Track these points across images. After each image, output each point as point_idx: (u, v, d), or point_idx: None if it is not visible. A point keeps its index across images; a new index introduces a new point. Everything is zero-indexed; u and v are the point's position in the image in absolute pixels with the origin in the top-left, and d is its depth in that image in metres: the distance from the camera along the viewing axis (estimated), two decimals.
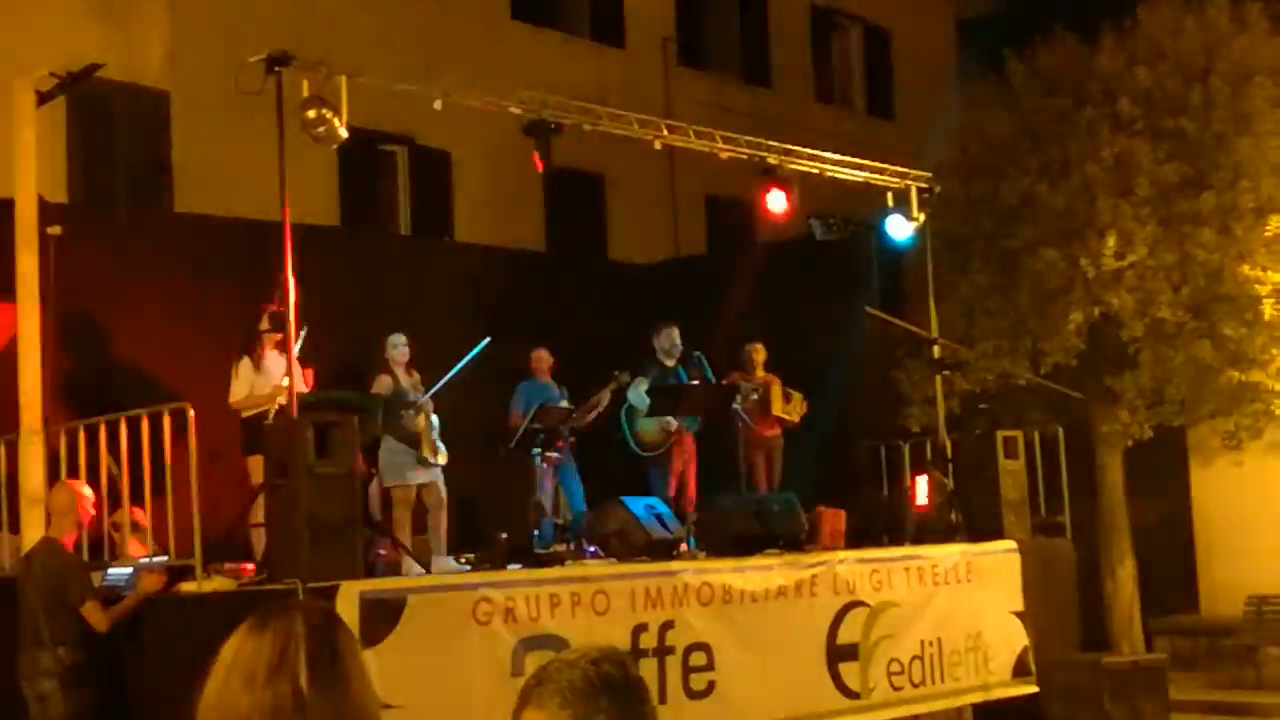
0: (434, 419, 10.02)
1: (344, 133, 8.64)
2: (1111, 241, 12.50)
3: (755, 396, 11.61)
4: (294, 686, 2.12)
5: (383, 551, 9.03)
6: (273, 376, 9.29)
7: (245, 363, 9.44)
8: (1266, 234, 12.44)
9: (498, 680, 7.77)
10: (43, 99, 8.92)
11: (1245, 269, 12.45)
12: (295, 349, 8.81)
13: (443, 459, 9.98)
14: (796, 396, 11.88)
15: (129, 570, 8.08)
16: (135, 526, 8.94)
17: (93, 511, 7.94)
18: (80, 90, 9.79)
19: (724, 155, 11.48)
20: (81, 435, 8.52)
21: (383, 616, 7.28)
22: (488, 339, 10.15)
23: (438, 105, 9.68)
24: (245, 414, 9.42)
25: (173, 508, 8.12)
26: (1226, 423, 13.49)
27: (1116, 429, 13.38)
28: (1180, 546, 14.75)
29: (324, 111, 8.54)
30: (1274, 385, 12.69)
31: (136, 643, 7.34)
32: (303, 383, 9.14)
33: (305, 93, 8.58)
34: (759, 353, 11.96)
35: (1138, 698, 10.57)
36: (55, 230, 8.93)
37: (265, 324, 9.42)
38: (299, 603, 2.20)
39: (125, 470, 8.31)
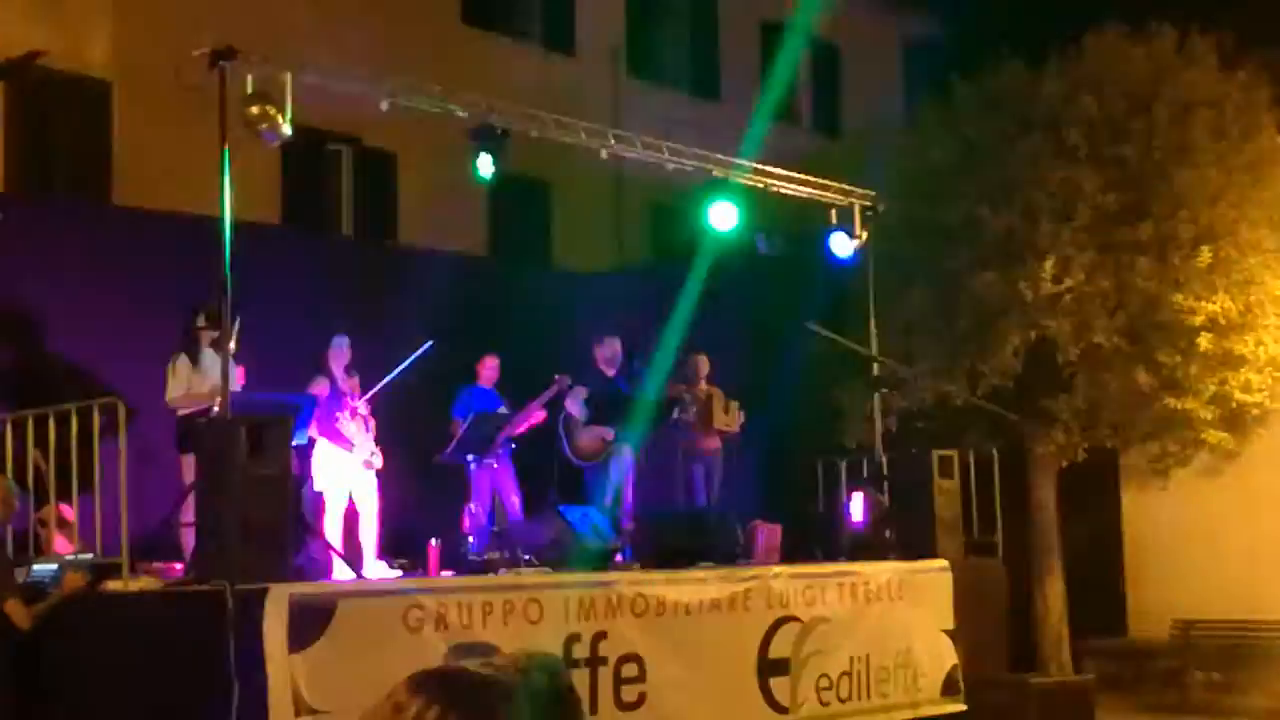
0: (370, 422, 9.94)
1: (288, 130, 8.57)
2: (1050, 266, 12.61)
3: (694, 409, 11.61)
4: None
5: (314, 555, 8.93)
6: (210, 374, 9.17)
7: (183, 360, 9.32)
8: (1201, 264, 12.60)
9: None
10: None
11: (1180, 298, 12.59)
12: (231, 345, 8.72)
13: (378, 462, 9.90)
14: (733, 405, 11.88)
15: (54, 567, 7.93)
16: (62, 523, 8.78)
17: (18, 506, 7.79)
18: (20, 78, 9.64)
19: (670, 166, 11.51)
20: (9, 429, 8.36)
21: (312, 620, 7.20)
22: (429, 343, 10.10)
23: (384, 106, 9.63)
24: (181, 412, 9.30)
25: (101, 505, 7.99)
26: (1156, 447, 13.64)
27: (1051, 450, 13.50)
28: (1110, 568, 14.89)
29: (268, 108, 8.46)
30: (1205, 414, 12.84)
31: (60, 641, 7.20)
32: (237, 381, 9.04)
33: (249, 89, 8.50)
34: (703, 364, 11.95)
35: (1065, 718, 10.64)
36: None
37: (202, 321, 9.30)
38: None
39: (53, 465, 8.16)
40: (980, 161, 13.53)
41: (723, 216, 11.14)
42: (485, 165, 9.96)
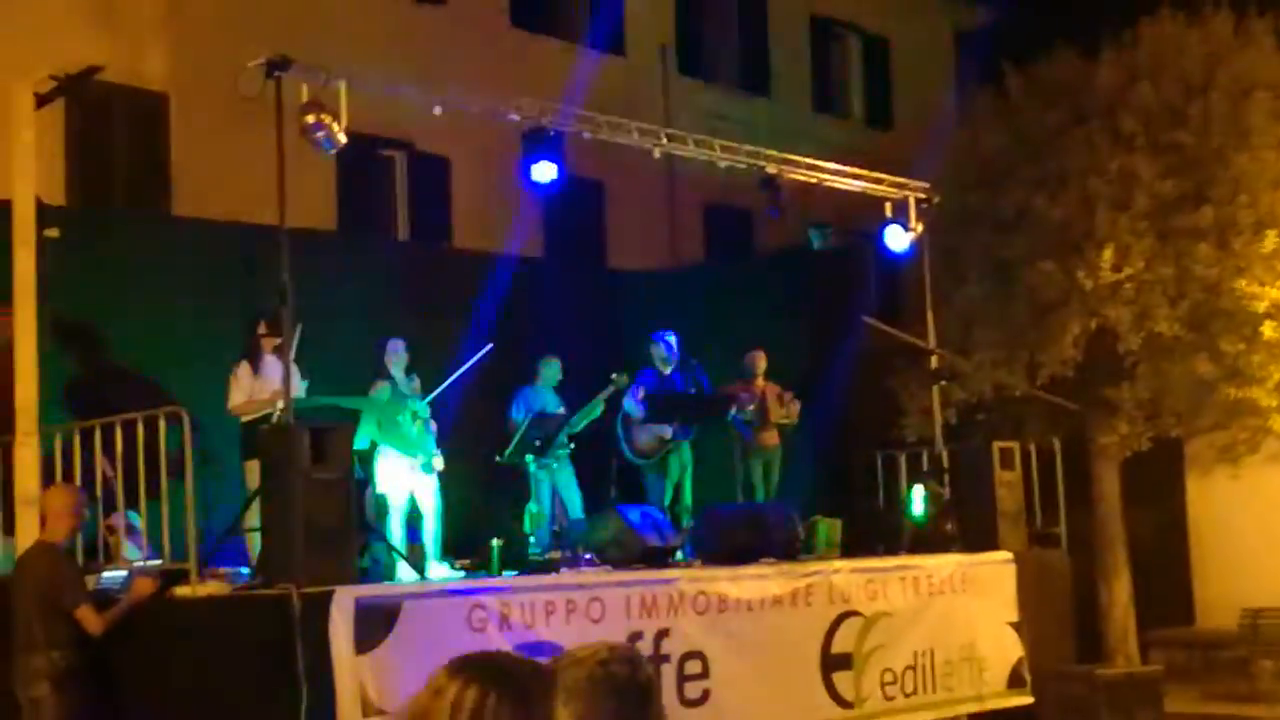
0: (431, 425, 10.02)
1: (343, 138, 8.65)
2: (1108, 254, 12.48)
3: (752, 406, 11.62)
4: None
5: (377, 557, 9.02)
6: (271, 381, 9.27)
7: (244, 367, 9.43)
8: (1264, 250, 12.43)
9: None
10: (41, 101, 8.92)
11: (1243, 284, 12.43)
12: (292, 352, 8.82)
13: (439, 465, 9.98)
14: (789, 398, 11.87)
15: (123, 574, 8.06)
16: (130, 530, 8.92)
17: (87, 515, 7.92)
18: (79, 93, 9.78)
19: (722, 164, 11.51)
20: (77, 439, 8.50)
21: (377, 622, 7.27)
22: (490, 346, 10.17)
23: (437, 111, 9.69)
24: (245, 419, 9.41)
25: (167, 511, 8.11)
26: (1224, 436, 13.48)
27: (1114, 440, 13.37)
28: (1176, 558, 14.73)
29: (323, 116, 8.55)
30: (1271, 402, 12.68)
31: (130, 647, 7.32)
32: (299, 388, 9.14)
33: (304, 97, 8.59)
34: (760, 360, 11.94)
35: (1133, 709, 10.55)
36: (53, 233, 8.92)
37: (263, 328, 9.41)
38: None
39: (120, 473, 8.29)
40: (1035, 151, 13.43)
41: (544, 172, 10.16)
42: (543, 172, 9.96)
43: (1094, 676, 10.66)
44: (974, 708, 10.56)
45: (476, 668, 2.08)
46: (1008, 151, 13.62)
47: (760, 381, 11.90)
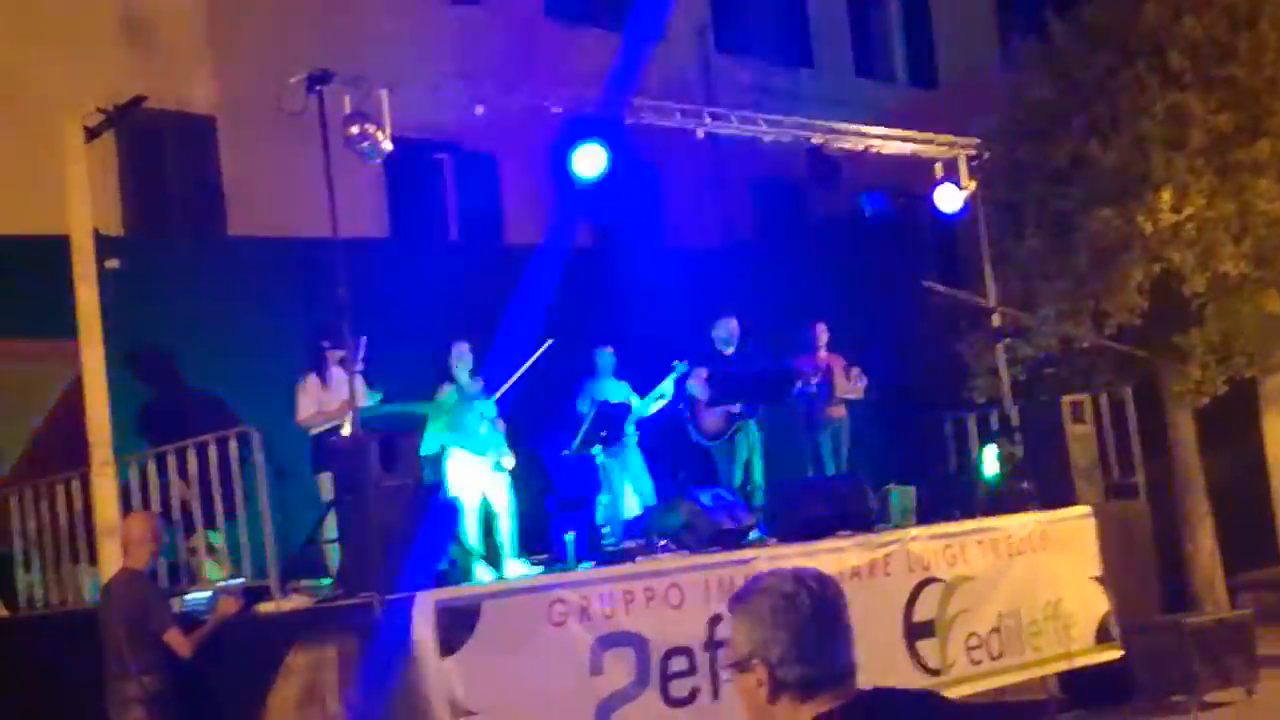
0: (499, 424, 10.06)
1: (388, 145, 8.71)
2: (1167, 196, 12.31)
3: (817, 379, 11.57)
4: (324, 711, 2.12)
5: (455, 560, 9.08)
6: (339, 392, 9.35)
7: (311, 379, 9.51)
8: None
9: (577, 680, 7.80)
10: (91, 134, 9.05)
11: None
12: (358, 363, 8.92)
13: (509, 463, 10.02)
14: (855, 372, 11.78)
15: (207, 594, 8.18)
16: (211, 550, 9.05)
17: (165, 540, 8.03)
18: (127, 123, 9.90)
19: (768, 138, 11.46)
20: (152, 465, 8.63)
21: (459, 624, 7.33)
22: (550, 340, 10.19)
23: (479, 110, 9.72)
24: (314, 432, 9.50)
25: (246, 530, 8.22)
26: None
27: (1187, 387, 13.19)
28: (1258, 499, 14.53)
29: (367, 126, 8.62)
30: None
31: (219, 666, 7.43)
32: (364, 397, 9.22)
33: (347, 108, 8.65)
34: (822, 333, 11.87)
35: (1224, 656, 10.44)
36: (113, 264, 9.05)
37: (326, 341, 9.49)
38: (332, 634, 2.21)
39: (197, 495, 8.41)
40: (1085, 97, 13.26)
41: (590, 162, 10.11)
42: (589, 162, 9.94)
43: (1182, 625, 10.55)
44: (1063, 665, 10.48)
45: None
46: (1056, 100, 13.46)
47: (824, 354, 11.83)
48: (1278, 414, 14.42)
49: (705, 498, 9.58)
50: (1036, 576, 10.34)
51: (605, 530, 10.15)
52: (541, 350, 10.15)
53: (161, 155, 13.74)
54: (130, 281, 9.39)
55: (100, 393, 8.56)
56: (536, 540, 10.13)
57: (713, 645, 8.36)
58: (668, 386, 11.02)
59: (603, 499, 10.31)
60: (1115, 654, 10.62)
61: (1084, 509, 10.89)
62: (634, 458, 10.91)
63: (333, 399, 9.39)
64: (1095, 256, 12.83)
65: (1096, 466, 11.40)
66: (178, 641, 7.31)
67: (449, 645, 7.20)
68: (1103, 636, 10.63)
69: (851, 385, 11.70)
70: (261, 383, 10.04)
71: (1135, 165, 12.67)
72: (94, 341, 8.58)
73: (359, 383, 8.92)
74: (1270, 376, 13.82)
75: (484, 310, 11.95)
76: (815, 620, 2.49)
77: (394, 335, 10.53)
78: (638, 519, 10.45)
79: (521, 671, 7.58)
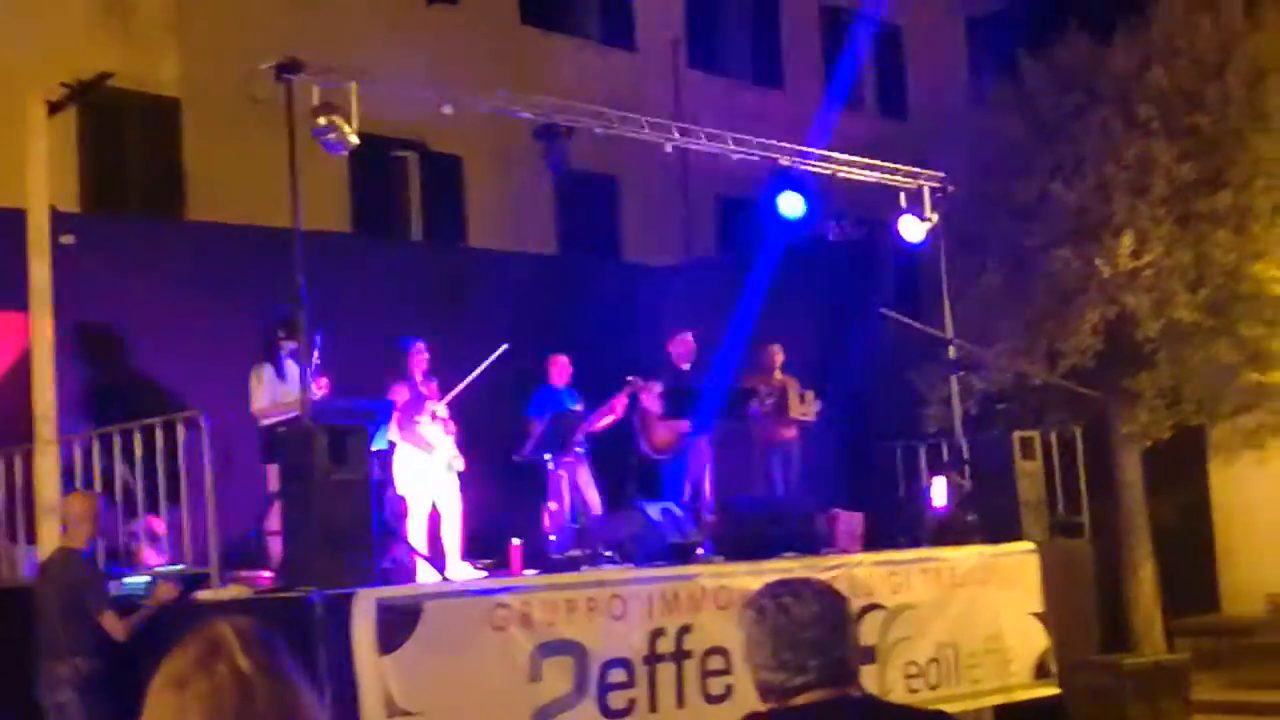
0: (450, 426, 10.00)
1: (354, 139, 8.64)
2: (1127, 241, 12.42)
3: (770, 400, 11.56)
4: (230, 666, 2.02)
5: (398, 558, 9.00)
6: (293, 384, 9.26)
7: (267, 369, 9.41)
8: None
9: (516, 686, 7.74)
10: (53, 109, 8.94)
11: (1261, 268, 12.37)
12: (315, 356, 8.83)
13: (459, 465, 9.96)
14: (809, 395, 11.80)
15: (146, 579, 8.06)
16: (151, 535, 8.92)
17: (104, 522, 7.91)
18: (91, 100, 9.80)
19: (735, 156, 11.48)
20: (96, 445, 8.51)
21: (399, 623, 7.26)
22: (505, 346, 10.15)
23: (448, 110, 9.68)
24: (264, 422, 9.39)
25: (188, 516, 8.11)
26: (1249, 421, 13.41)
27: (1135, 429, 13.30)
28: (1200, 545, 14.66)
29: (334, 118, 8.54)
30: None
31: (155, 652, 7.30)
32: (320, 391, 9.14)
33: (315, 100, 8.58)
34: (777, 354, 11.89)
35: (1160, 698, 10.50)
36: (67, 239, 8.94)
37: (280, 331, 9.39)
38: (225, 618, 2.12)
39: (140, 479, 8.29)
40: (1051, 137, 13.36)
41: (791, 205, 11.13)
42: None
43: (1121, 666, 10.61)
44: (1000, 699, 10.51)
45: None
46: (1023, 138, 13.56)
47: (779, 375, 11.85)
48: (1224, 462, 14.55)
49: (653, 511, 9.57)
50: (978, 609, 10.37)
51: (551, 538, 10.09)
52: (496, 355, 10.09)
53: (124, 134, 13.59)
54: (84, 259, 9.26)
55: (47, 369, 8.44)
56: (482, 545, 10.07)
57: (653, 659, 8.34)
58: (621, 401, 10.98)
59: (550, 507, 10.25)
60: (1053, 691, 10.66)
61: (1028, 545, 10.94)
62: (583, 467, 10.87)
63: (287, 390, 9.29)
64: (1053, 296, 12.92)
65: (1043, 503, 11.46)
66: (112, 624, 7.20)
67: (388, 644, 7.13)
68: (1041, 673, 10.67)
69: (804, 408, 11.73)
70: (212, 369, 9.92)
71: (1097, 208, 12.78)
72: (44, 316, 8.45)
73: (311, 376, 8.83)
74: (1218, 424, 13.95)
75: (442, 312, 11.92)
76: (796, 628, 2.58)
77: (350, 331, 10.46)
78: (584, 529, 10.42)
79: (460, 674, 7.51)
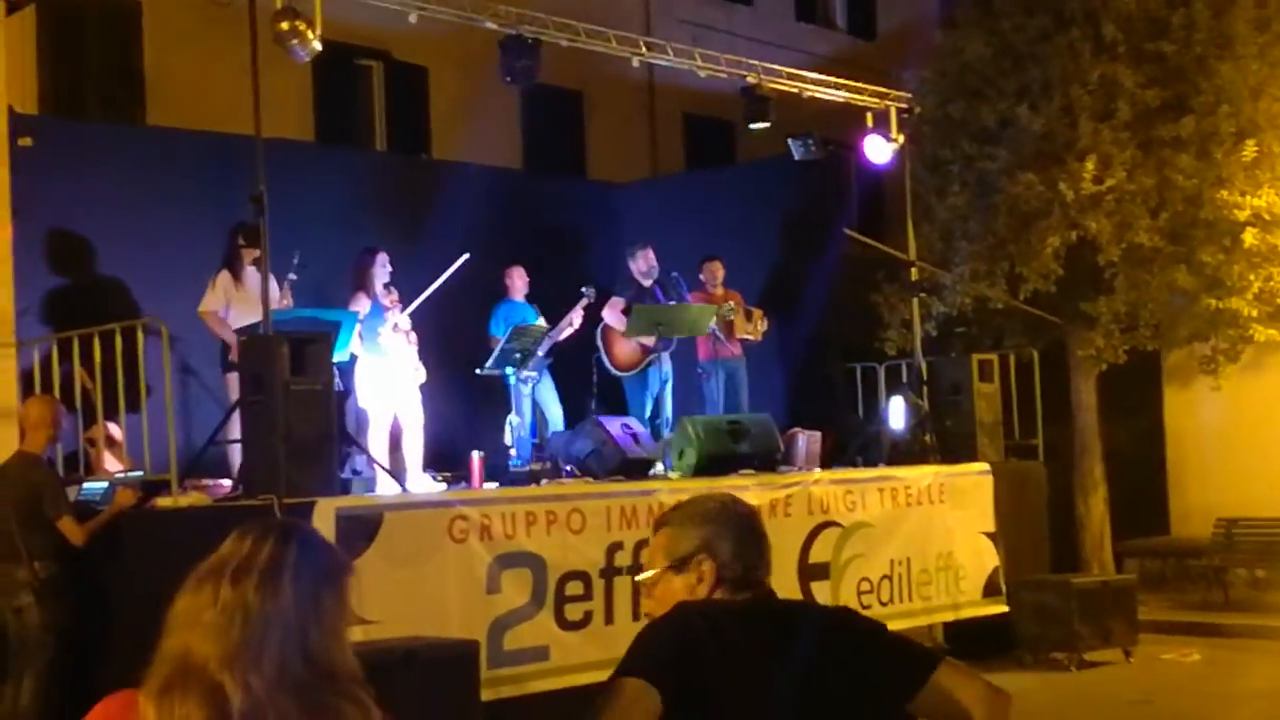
0: (412, 337, 9.99)
1: (317, 46, 8.55)
2: (1090, 165, 12.46)
3: (731, 317, 11.57)
4: (305, 589, 2.15)
5: (359, 469, 9.04)
6: (252, 291, 9.21)
7: (224, 276, 9.35)
8: (1245, 159, 12.42)
9: (474, 596, 7.83)
10: (11, 8, 8.78)
11: (1224, 194, 12.44)
12: (290, 273, 8.81)
13: (421, 377, 9.96)
14: (757, 313, 11.75)
15: (104, 485, 8.06)
16: (110, 441, 8.91)
17: (65, 426, 7.89)
18: (50, 2, 9.62)
19: (703, 74, 11.42)
20: (55, 350, 8.46)
21: (359, 533, 7.31)
22: (465, 255, 10.11)
23: (413, 19, 9.58)
24: (214, 329, 9.33)
25: (148, 423, 8.10)
26: (1203, 347, 13.57)
27: (1091, 353, 13.43)
28: (1153, 470, 14.88)
29: (297, 24, 8.44)
30: (1250, 311, 12.74)
31: (113, 557, 7.34)
32: (284, 302, 9.12)
33: (278, 4, 8.46)
34: (717, 270, 11.82)
35: (1107, 617, 10.71)
36: (25, 142, 8.82)
37: (241, 239, 9.33)
38: (278, 519, 2.24)
39: (99, 385, 8.26)
40: (1018, 60, 13.35)
41: (878, 150, 11.75)
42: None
43: (1068, 585, 10.80)
44: (950, 616, 10.71)
45: (293, 528, 2.27)
46: (990, 60, 13.53)
47: (720, 291, 11.78)
48: (1178, 388, 14.74)
49: (614, 427, 9.61)
50: (931, 528, 10.53)
51: (512, 452, 10.14)
52: (457, 265, 10.06)
53: (83, 36, 13.35)
54: (42, 162, 9.14)
55: (5, 272, 8.36)
56: (443, 457, 10.11)
57: (610, 571, 8.44)
58: (577, 312, 10.96)
59: (511, 420, 10.28)
60: (1001, 609, 10.86)
61: (983, 466, 11.09)
62: (546, 382, 10.89)
63: (245, 297, 9.24)
64: (1015, 219, 12.98)
65: (999, 425, 11.62)
66: (70, 529, 7.21)
67: (346, 553, 7.12)
68: (991, 591, 10.87)
69: (750, 326, 11.68)
70: (172, 276, 9.85)
71: (1062, 132, 12.80)
72: (2, 219, 8.36)
73: (274, 285, 8.80)
74: (1173, 350, 14.11)
75: (404, 223, 11.84)
76: (748, 528, 2.75)
77: (311, 240, 10.39)
78: (545, 443, 10.47)
79: (418, 584, 7.58)
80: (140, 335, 8.06)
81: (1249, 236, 12.46)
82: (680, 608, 2.65)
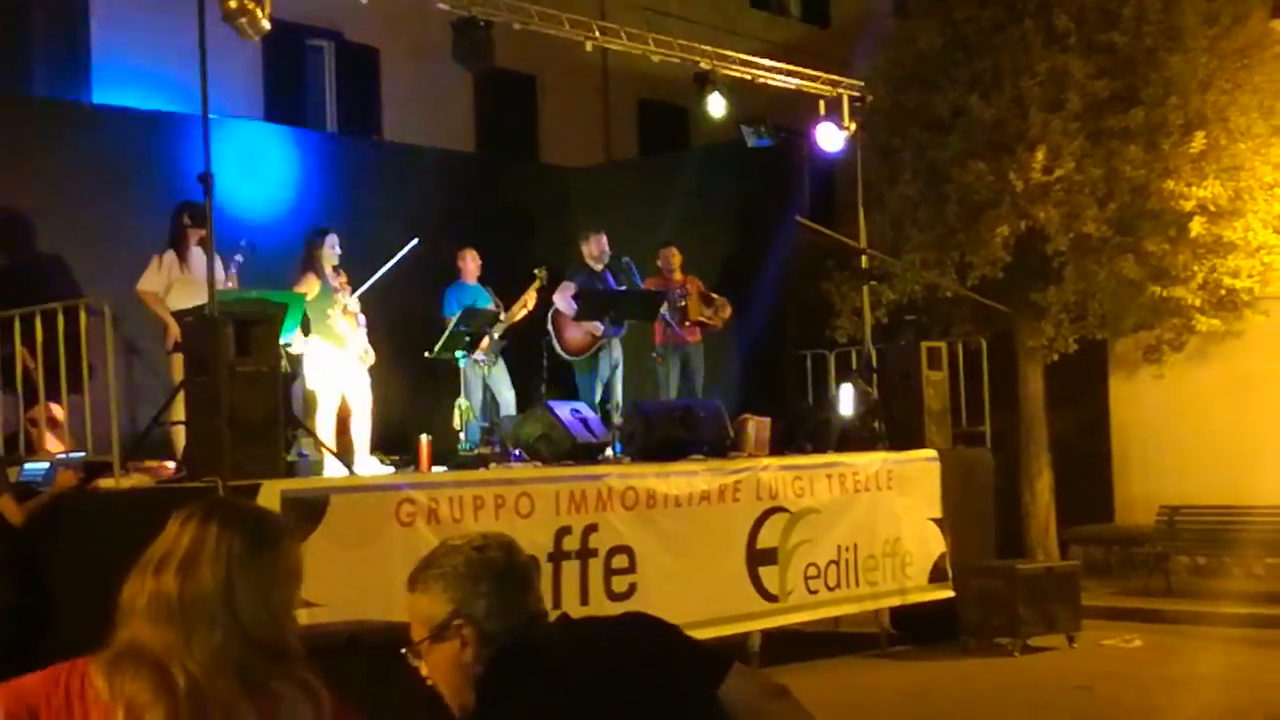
0: (361, 320, 9.92)
1: (267, 25, 8.47)
2: (1040, 155, 12.55)
3: (683, 304, 11.58)
4: (225, 572, 2.15)
5: (305, 452, 8.97)
6: (197, 272, 9.11)
7: (169, 255, 9.25)
8: (1192, 150, 12.54)
9: None
10: None
11: (1170, 185, 12.56)
12: (236, 259, 8.71)
13: (370, 360, 9.90)
14: (719, 300, 11.78)
15: (45, 466, 7.96)
16: (52, 422, 8.80)
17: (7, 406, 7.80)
18: None
19: (656, 58, 11.40)
20: None
21: (305, 515, 7.26)
22: (415, 240, 10.06)
23: (364, 0, 9.50)
24: (152, 308, 9.23)
25: (91, 404, 8.00)
26: (1148, 336, 13.71)
27: (1042, 343, 13.54)
28: (1098, 458, 15.03)
29: (246, 2, 8.34)
30: (1195, 301, 12.89)
31: (54, 539, 7.26)
32: (225, 282, 9.02)
33: None
34: (674, 256, 11.84)
35: (1051, 603, 10.80)
36: None
37: (187, 219, 9.22)
38: (229, 498, 2.26)
39: (41, 365, 8.15)
40: (970, 50, 13.40)
41: (830, 138, 11.86)
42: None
43: (1014, 571, 10.88)
44: (896, 601, 10.78)
45: (217, 508, 2.25)
46: (942, 50, 13.58)
47: (679, 276, 11.80)
48: (1124, 377, 14.89)
49: (564, 411, 9.59)
50: (878, 514, 10.59)
51: (461, 435, 10.10)
52: (407, 249, 10.00)
53: (29, 14, 13.15)
54: None
55: None
56: (392, 440, 10.05)
57: (558, 556, 8.44)
58: (530, 295, 10.94)
59: (461, 404, 10.24)
60: (947, 594, 10.94)
61: (930, 453, 11.16)
62: (497, 366, 10.85)
63: (190, 278, 9.14)
64: (965, 208, 13.05)
65: (947, 413, 11.68)
66: (9, 508, 7.11)
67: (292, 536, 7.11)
68: (937, 576, 10.94)
69: (709, 311, 11.69)
70: (117, 256, 9.75)
71: (1012, 122, 12.88)
72: None
73: (220, 266, 8.71)
74: (1120, 340, 14.25)
75: (354, 204, 11.77)
76: (508, 573, 2.48)
77: (259, 221, 10.31)
78: (494, 427, 10.44)
79: (365, 568, 7.54)
80: (83, 315, 7.95)
81: (1195, 226, 12.60)
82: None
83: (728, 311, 11.73)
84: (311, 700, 2.27)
